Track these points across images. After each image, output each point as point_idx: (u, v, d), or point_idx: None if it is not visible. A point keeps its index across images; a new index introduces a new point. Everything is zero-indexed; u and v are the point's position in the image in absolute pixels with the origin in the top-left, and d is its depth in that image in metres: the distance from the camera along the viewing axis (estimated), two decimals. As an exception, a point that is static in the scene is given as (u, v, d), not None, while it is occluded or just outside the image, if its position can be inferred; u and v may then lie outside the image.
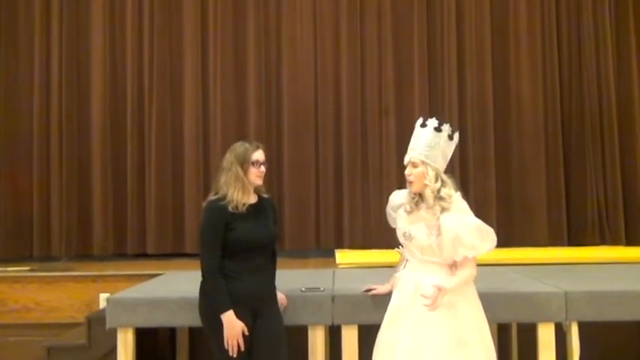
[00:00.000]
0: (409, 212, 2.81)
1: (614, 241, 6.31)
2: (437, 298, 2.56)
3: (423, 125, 2.82)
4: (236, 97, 6.44)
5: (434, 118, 2.84)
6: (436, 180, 2.74)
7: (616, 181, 6.43)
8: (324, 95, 6.47)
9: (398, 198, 2.95)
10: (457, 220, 2.69)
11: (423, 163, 2.76)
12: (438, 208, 2.71)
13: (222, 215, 2.78)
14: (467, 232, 2.66)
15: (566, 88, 6.58)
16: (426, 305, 2.58)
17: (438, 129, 2.80)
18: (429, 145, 2.77)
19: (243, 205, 2.82)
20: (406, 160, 2.83)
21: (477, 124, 6.45)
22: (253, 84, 6.43)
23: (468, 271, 2.71)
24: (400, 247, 2.93)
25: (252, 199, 2.91)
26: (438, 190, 2.73)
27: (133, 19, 6.43)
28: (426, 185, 2.74)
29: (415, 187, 2.79)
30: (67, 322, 4.65)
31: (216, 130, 6.37)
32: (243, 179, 2.82)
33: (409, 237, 2.78)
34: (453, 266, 2.74)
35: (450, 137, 2.82)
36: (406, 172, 2.81)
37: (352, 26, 6.52)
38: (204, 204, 2.88)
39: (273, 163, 6.27)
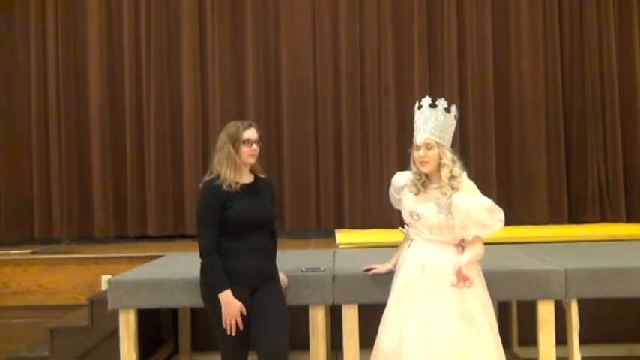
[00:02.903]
0: (417, 192, 2.82)
1: (615, 218, 6.33)
2: (462, 275, 2.55)
3: (433, 105, 2.79)
4: (235, 78, 6.41)
5: (442, 99, 2.82)
6: (453, 161, 2.76)
7: (617, 158, 6.42)
8: (323, 74, 6.42)
9: (401, 180, 2.94)
10: (469, 199, 2.71)
11: (439, 145, 2.75)
12: (448, 188, 2.72)
13: (218, 194, 2.79)
14: (478, 211, 2.68)
15: (567, 63, 6.53)
16: (454, 285, 2.56)
17: (447, 109, 2.79)
18: (442, 127, 2.77)
19: (237, 184, 2.81)
20: (420, 140, 2.77)
21: (477, 102, 6.42)
22: (252, 64, 6.38)
23: (479, 248, 2.73)
24: (404, 226, 2.93)
25: (247, 178, 2.90)
26: (451, 171, 2.75)
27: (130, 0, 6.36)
28: (443, 165, 2.75)
29: (428, 169, 2.78)
30: (69, 304, 4.68)
31: (215, 110, 6.35)
32: (234, 158, 2.82)
33: (417, 216, 2.79)
34: (460, 245, 2.77)
35: (455, 117, 2.84)
36: (420, 153, 2.76)
37: (351, 4, 6.45)
38: (200, 185, 2.90)
39: (272, 143, 6.26)
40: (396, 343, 2.69)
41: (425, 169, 2.78)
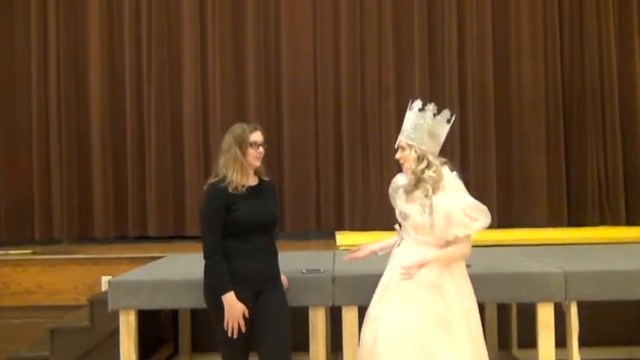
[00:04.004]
0: (408, 192, 2.84)
1: (614, 221, 6.32)
2: (413, 269, 2.70)
3: (410, 108, 2.88)
4: (235, 79, 6.41)
5: (418, 100, 2.89)
6: (419, 161, 2.78)
7: (617, 159, 6.42)
8: (323, 76, 6.42)
9: (401, 180, 2.97)
10: (449, 199, 2.72)
11: (409, 145, 2.81)
12: (428, 188, 2.74)
13: (223, 197, 2.79)
14: (458, 210, 2.69)
15: (567, 64, 6.52)
16: (401, 274, 2.71)
17: (421, 109, 2.84)
18: (413, 126, 2.83)
19: (243, 186, 2.82)
20: (396, 144, 2.89)
21: (477, 102, 6.40)
22: (252, 65, 6.38)
23: (457, 249, 2.74)
24: (398, 225, 2.95)
25: (252, 180, 2.91)
26: (422, 172, 2.76)
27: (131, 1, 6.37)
28: (408, 168, 2.82)
29: (406, 169, 2.86)
30: (69, 305, 4.69)
31: (215, 111, 6.35)
32: (241, 160, 2.83)
33: (405, 216, 2.82)
34: (447, 246, 2.77)
35: (434, 115, 2.84)
36: (397, 155, 2.88)
37: (351, 6, 6.45)
38: (205, 187, 2.89)
39: (273, 145, 6.25)
40: (372, 342, 2.73)
41: (406, 170, 2.85)
